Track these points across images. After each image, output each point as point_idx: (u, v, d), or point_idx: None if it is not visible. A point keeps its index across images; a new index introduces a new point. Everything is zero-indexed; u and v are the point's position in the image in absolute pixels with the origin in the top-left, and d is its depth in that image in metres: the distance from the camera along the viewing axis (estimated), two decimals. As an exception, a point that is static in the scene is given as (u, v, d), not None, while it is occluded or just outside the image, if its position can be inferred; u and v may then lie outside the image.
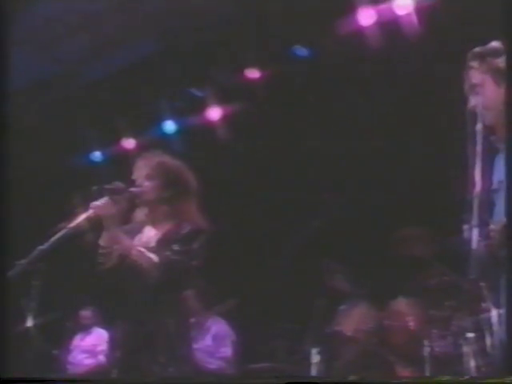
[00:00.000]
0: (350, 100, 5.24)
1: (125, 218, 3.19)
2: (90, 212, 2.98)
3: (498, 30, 2.61)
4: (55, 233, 2.86)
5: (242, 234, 5.62)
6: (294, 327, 4.84)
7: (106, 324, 5.58)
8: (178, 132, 6.16)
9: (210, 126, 5.95)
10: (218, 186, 5.80)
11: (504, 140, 2.46)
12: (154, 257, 2.98)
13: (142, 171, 3.18)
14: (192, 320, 4.40)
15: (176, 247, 3.03)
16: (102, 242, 3.08)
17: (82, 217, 2.96)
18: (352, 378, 3.40)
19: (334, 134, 5.41)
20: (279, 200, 5.68)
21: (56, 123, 5.80)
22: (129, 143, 6.33)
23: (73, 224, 2.92)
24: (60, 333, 5.57)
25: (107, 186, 3.05)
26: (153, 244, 3.10)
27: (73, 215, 2.96)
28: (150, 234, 3.16)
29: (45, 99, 5.79)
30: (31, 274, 2.89)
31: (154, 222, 3.17)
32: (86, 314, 5.89)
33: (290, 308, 4.91)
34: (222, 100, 5.88)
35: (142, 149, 5.89)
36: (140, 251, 3.00)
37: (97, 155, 6.54)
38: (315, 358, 4.21)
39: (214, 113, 5.98)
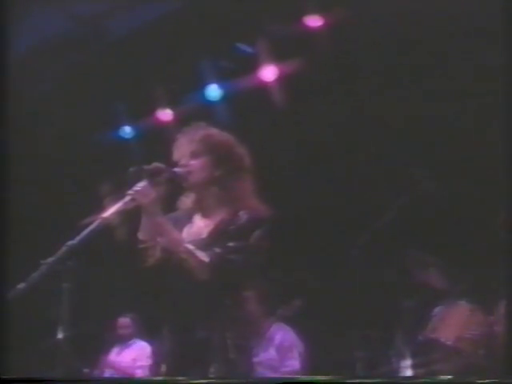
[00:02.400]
0: (437, 49, 5.12)
1: (168, 206, 3.23)
2: (126, 199, 3.00)
3: None
4: (86, 225, 2.91)
5: (308, 222, 5.63)
6: (376, 334, 4.82)
7: (147, 335, 5.71)
8: (225, 98, 6.17)
9: (262, 89, 5.93)
10: (276, 162, 5.83)
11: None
12: (204, 255, 3.01)
13: (185, 148, 3.19)
14: (251, 328, 4.49)
15: (232, 242, 3.06)
16: (141, 235, 3.12)
17: (117, 205, 2.99)
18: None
19: (418, 93, 5.32)
20: (352, 177, 5.64)
21: (75, 92, 5.90)
22: (165, 115, 6.38)
23: (107, 214, 2.96)
24: (94, 346, 5.72)
25: (146, 167, 3.08)
26: (204, 236, 3.13)
27: (106, 204, 3.01)
28: (201, 224, 3.19)
29: (62, 63, 5.89)
30: (60, 275, 2.96)
31: (204, 210, 3.19)
32: (123, 322, 6.01)
33: (371, 310, 4.89)
34: (276, 56, 5.84)
35: (181, 121, 5.98)
36: (188, 249, 3.03)
37: (127, 131, 6.63)
38: (405, 372, 4.17)
39: (268, 72, 5.96)
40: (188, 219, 3.22)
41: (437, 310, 4.51)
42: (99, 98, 5.98)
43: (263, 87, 5.95)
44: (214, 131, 3.25)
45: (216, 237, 3.10)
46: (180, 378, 3.00)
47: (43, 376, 2.86)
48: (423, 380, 3.58)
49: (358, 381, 3.31)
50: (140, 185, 3.04)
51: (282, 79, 5.88)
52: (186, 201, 3.26)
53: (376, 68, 5.42)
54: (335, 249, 5.33)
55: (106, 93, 5.95)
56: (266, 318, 4.89)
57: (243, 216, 3.10)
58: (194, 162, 3.16)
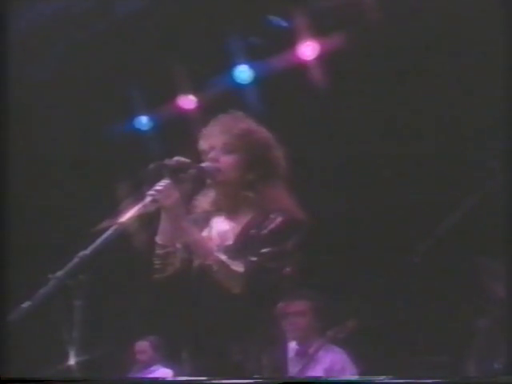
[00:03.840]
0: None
1: (189, 206, 3.24)
2: (147, 201, 2.99)
3: None
4: (101, 233, 2.90)
5: (359, 226, 5.60)
6: (442, 359, 4.77)
7: (171, 360, 5.70)
8: (256, 80, 6.16)
9: (301, 70, 5.90)
10: (317, 156, 5.79)
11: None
12: (238, 264, 3.01)
13: (216, 140, 3.18)
14: (295, 351, 4.49)
15: (264, 248, 3.05)
16: (160, 239, 3.13)
17: (136, 208, 2.97)
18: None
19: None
20: (410, 172, 5.60)
21: (81, 77, 5.91)
22: (187, 101, 6.39)
23: (124, 219, 2.94)
24: (110, 373, 5.73)
25: (168, 163, 3.07)
26: (229, 242, 3.13)
27: (123, 206, 3.00)
28: (224, 227, 3.19)
29: (65, 43, 5.87)
30: (71, 290, 2.96)
31: (227, 211, 3.20)
32: (144, 345, 6.02)
33: (436, 331, 4.84)
34: (317, 30, 5.79)
35: (206, 108, 5.99)
36: (219, 258, 3.02)
37: (143, 121, 6.64)
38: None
39: (307, 50, 5.92)
40: (206, 222, 3.23)
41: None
42: (110, 83, 5.98)
43: (301, 67, 5.91)
44: (255, 127, 3.24)
45: (244, 241, 3.10)
46: (177, 379, 2.99)
47: (43, 376, 2.86)
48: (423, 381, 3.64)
49: (357, 381, 3.40)
50: (162, 183, 3.03)
51: (323, 57, 5.83)
52: (205, 200, 3.28)
53: (435, 41, 5.35)
54: (393, 257, 5.29)
55: (117, 77, 5.95)
56: (312, 340, 4.88)
57: (276, 218, 3.09)
58: (227, 158, 3.15)
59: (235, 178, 3.15)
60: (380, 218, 5.70)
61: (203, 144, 3.21)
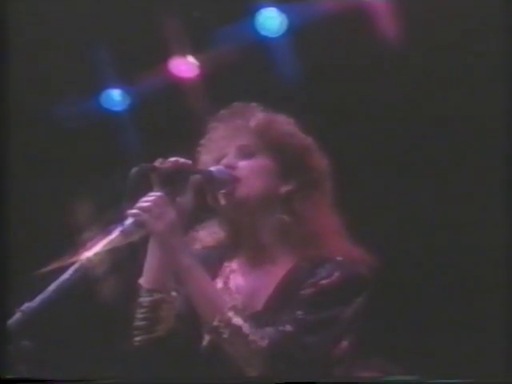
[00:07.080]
0: None
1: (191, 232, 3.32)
2: (127, 225, 3.03)
3: None
4: (55, 274, 2.92)
5: (443, 273, 5.70)
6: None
7: None
8: (289, 32, 6.19)
9: (358, 17, 5.92)
10: (380, 157, 5.81)
11: None
12: (259, 335, 3.05)
13: (230, 137, 3.29)
14: None
15: (304, 313, 3.10)
16: (146, 281, 3.19)
17: (110, 236, 3.01)
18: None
19: None
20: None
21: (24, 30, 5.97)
22: (185, 67, 6.43)
23: (91, 253, 2.97)
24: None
25: (159, 165, 3.11)
26: (256, 306, 3.19)
27: (89, 233, 3.03)
28: (247, 279, 3.27)
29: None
30: (11, 362, 2.98)
31: (256, 251, 3.27)
32: None
33: None
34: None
35: (213, 76, 6.00)
36: (233, 322, 3.05)
37: (115, 97, 6.72)
38: None
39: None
40: (219, 262, 3.32)
41: None
42: (66, 40, 6.07)
43: (359, 12, 5.93)
44: (279, 118, 3.35)
45: (280, 303, 3.17)
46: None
47: (44, 376, 2.98)
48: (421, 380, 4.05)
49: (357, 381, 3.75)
50: (150, 197, 3.08)
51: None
52: (215, 227, 3.37)
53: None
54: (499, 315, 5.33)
55: (78, 32, 6.02)
56: None
57: (333, 272, 3.15)
58: (246, 163, 3.25)
59: (263, 190, 3.23)
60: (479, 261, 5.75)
61: (211, 147, 3.33)
